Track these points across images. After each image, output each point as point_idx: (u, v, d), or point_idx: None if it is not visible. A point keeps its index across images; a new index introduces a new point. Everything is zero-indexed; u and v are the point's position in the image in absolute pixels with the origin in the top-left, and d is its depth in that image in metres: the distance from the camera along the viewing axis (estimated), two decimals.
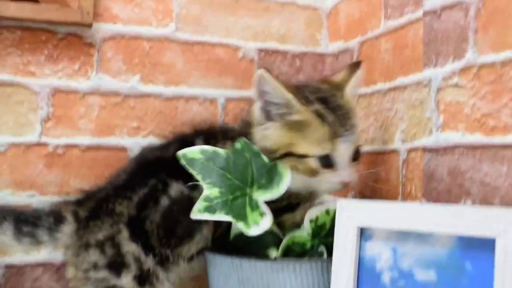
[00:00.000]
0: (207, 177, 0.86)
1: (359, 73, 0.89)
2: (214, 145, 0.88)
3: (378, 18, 1.03)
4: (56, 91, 1.03)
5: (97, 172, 1.04)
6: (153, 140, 1.05)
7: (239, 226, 0.83)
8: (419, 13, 0.92)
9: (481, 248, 0.69)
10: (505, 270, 0.67)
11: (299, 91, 0.85)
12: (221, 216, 0.83)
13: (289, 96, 0.82)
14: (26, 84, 1.02)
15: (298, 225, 0.88)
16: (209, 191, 0.85)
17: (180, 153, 0.86)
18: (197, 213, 0.83)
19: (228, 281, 0.88)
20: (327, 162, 0.83)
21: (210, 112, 1.12)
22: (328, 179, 0.85)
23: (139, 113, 1.08)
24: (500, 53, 0.75)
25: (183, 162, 0.85)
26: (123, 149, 1.06)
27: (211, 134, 0.94)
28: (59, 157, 1.03)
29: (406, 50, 0.94)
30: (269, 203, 0.85)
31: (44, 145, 1.03)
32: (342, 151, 0.84)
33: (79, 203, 0.92)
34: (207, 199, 0.84)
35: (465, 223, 0.71)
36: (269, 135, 0.85)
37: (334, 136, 0.83)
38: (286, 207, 0.90)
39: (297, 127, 0.83)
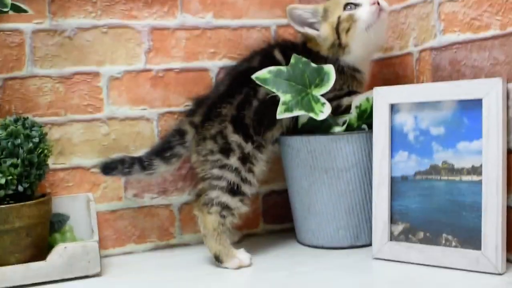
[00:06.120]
0: (280, 88, 1.15)
1: None
2: (289, 55, 1.18)
3: None
4: (153, 29, 1.34)
5: (188, 89, 1.34)
6: (227, 62, 1.37)
7: (311, 115, 1.13)
8: None
9: (473, 107, 1.02)
10: (489, 119, 0.99)
11: None
12: (297, 112, 1.14)
13: None
14: (131, 25, 1.32)
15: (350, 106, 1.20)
16: (284, 97, 1.14)
17: (254, 76, 1.14)
18: (280, 114, 1.13)
19: (299, 153, 1.22)
20: None
21: (265, 36, 1.42)
22: None
23: (214, 41, 1.38)
24: None
25: (258, 82, 1.14)
26: (205, 70, 1.37)
27: (284, 47, 1.25)
28: (161, 79, 1.35)
29: None
30: (332, 92, 1.17)
31: (149, 70, 1.34)
32: None
33: (192, 112, 1.22)
34: (284, 103, 1.14)
35: (462, 91, 1.04)
36: None
37: None
38: (345, 94, 1.24)
39: None
